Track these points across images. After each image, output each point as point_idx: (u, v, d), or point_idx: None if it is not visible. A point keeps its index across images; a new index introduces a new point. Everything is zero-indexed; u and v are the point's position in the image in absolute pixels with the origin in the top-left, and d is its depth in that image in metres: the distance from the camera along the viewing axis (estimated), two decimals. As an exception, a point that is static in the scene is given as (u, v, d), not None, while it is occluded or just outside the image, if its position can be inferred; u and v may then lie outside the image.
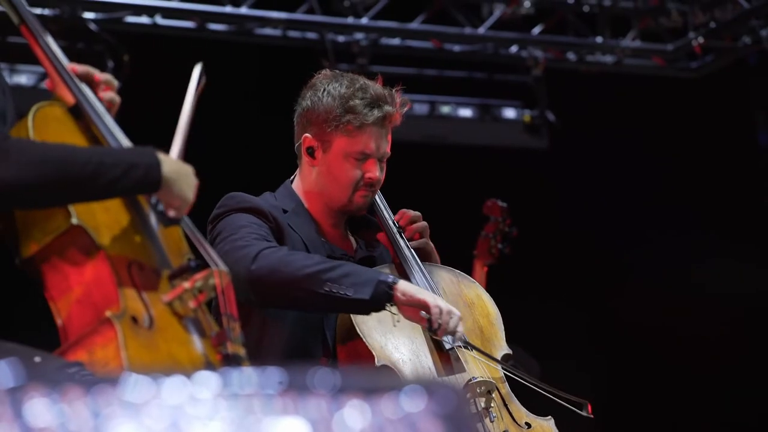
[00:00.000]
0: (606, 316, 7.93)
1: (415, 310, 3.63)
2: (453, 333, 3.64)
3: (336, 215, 3.97)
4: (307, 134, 3.90)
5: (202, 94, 3.12)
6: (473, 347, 3.77)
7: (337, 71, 3.97)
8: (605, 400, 7.45)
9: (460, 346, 3.74)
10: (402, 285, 3.62)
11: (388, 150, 3.91)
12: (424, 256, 4.00)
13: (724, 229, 7.98)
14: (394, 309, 3.67)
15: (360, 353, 3.68)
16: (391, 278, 3.62)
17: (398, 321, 3.71)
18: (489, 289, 4.05)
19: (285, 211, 3.90)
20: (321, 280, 3.56)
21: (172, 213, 2.85)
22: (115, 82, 3.02)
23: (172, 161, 2.87)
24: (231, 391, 1.73)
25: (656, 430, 8.02)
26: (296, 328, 3.80)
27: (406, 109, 3.94)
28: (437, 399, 1.80)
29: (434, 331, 3.61)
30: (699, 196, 8.08)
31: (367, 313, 3.66)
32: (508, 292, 4.37)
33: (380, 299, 3.59)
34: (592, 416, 3.78)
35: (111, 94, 2.98)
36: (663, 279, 7.95)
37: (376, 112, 3.82)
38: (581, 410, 3.80)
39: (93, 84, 2.96)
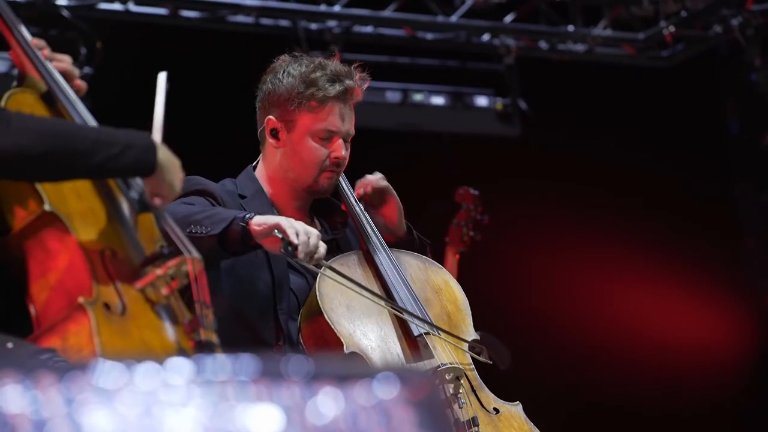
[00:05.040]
0: (578, 302, 7.96)
1: (274, 238, 3.47)
2: (313, 252, 3.47)
3: (301, 199, 3.96)
4: (270, 116, 3.92)
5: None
6: (383, 298, 3.72)
7: (297, 54, 3.98)
8: (574, 387, 7.52)
9: (428, 333, 3.74)
10: (257, 217, 3.53)
11: (353, 129, 3.93)
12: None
13: (694, 217, 8.01)
14: (327, 271, 3.60)
15: (328, 341, 3.68)
16: (249, 215, 3.54)
17: (359, 287, 3.66)
18: (460, 276, 4.07)
19: (243, 197, 3.91)
20: (186, 223, 3.48)
21: (157, 201, 2.86)
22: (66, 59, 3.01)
23: (166, 149, 2.87)
24: (204, 377, 1.74)
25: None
26: (245, 311, 3.78)
27: (366, 85, 3.95)
28: (410, 386, 1.82)
29: (291, 253, 3.44)
30: (669, 183, 8.11)
31: (227, 253, 3.57)
32: (480, 280, 4.39)
33: (235, 235, 3.50)
34: (490, 362, 3.84)
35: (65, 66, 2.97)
36: (634, 266, 7.98)
37: (338, 86, 3.85)
38: (479, 355, 3.82)
39: None
